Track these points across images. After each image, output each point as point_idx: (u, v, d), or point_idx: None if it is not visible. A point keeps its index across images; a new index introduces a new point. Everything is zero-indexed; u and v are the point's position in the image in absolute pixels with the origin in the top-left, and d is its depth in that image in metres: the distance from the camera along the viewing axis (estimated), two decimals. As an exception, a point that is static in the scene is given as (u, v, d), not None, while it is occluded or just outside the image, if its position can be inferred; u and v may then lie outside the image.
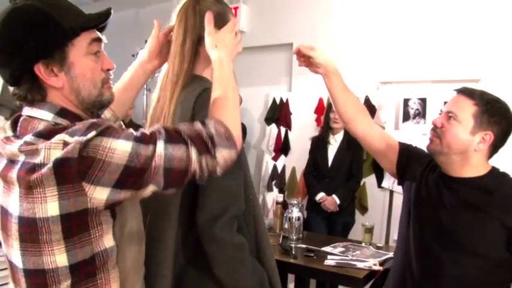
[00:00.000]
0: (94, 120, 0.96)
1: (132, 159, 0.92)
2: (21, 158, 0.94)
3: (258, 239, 1.39)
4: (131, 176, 0.94)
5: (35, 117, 1.00)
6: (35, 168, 0.91)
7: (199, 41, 1.36)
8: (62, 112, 1.01)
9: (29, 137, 0.95)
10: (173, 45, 1.36)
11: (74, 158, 0.89)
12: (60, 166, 0.89)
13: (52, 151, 0.91)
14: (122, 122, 1.42)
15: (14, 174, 0.94)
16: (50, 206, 0.92)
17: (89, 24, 1.04)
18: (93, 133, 0.91)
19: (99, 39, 1.07)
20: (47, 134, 0.94)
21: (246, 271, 1.28)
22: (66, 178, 0.90)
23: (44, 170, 0.90)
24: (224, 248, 1.25)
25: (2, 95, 3.57)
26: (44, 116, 1.00)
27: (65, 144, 0.90)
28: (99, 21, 1.06)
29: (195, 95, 1.31)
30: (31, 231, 0.94)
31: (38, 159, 0.91)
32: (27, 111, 1.03)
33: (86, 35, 1.03)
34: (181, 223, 1.30)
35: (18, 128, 1.02)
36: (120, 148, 0.92)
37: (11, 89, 1.03)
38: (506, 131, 1.59)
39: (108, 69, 1.10)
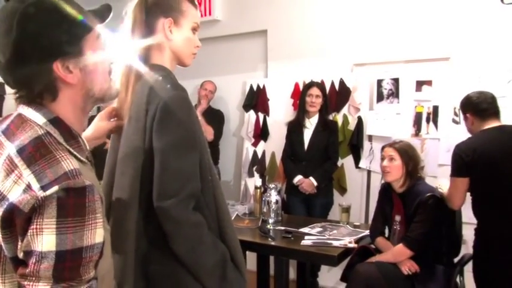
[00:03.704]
0: (71, 168, 0.91)
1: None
2: (1, 176, 0.93)
3: (219, 219, 1.44)
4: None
5: (28, 119, 0.98)
6: (2, 197, 0.90)
7: (149, 32, 1.43)
8: (54, 121, 0.98)
9: (13, 150, 0.93)
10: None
11: (23, 212, 0.87)
12: (9, 212, 0.88)
13: (15, 187, 0.89)
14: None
15: None
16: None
17: (100, 18, 1.04)
18: (54, 188, 0.87)
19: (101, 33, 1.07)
20: (26, 157, 0.91)
21: (204, 248, 1.34)
22: (11, 223, 0.89)
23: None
24: (180, 226, 1.31)
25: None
26: (37, 119, 0.97)
27: (28, 187, 0.88)
28: (107, 15, 1.06)
29: (150, 83, 1.37)
30: None
31: (4, 188, 0.90)
32: (22, 109, 1.00)
33: (94, 29, 1.03)
34: (142, 204, 1.35)
35: (9, 122, 1.00)
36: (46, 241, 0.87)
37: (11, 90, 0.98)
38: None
39: (111, 63, 1.11)
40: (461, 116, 2.90)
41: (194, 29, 1.52)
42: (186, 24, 1.49)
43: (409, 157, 2.65)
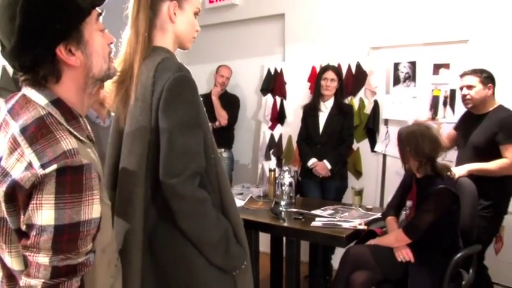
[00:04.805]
0: (70, 147, 0.97)
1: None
2: (5, 153, 0.99)
3: (221, 196, 1.50)
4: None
5: (31, 99, 1.03)
6: (5, 174, 0.97)
7: (153, 14, 1.47)
8: (56, 102, 1.03)
9: (17, 129, 0.99)
10: (129, 20, 1.47)
11: (24, 188, 0.93)
12: (12, 188, 0.94)
13: (18, 164, 0.96)
14: None
15: None
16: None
17: (98, 1, 1.07)
18: (53, 167, 0.93)
19: (100, 14, 1.10)
20: (28, 136, 0.97)
21: (209, 224, 1.40)
22: (14, 198, 0.95)
23: (3, 184, 0.95)
24: (186, 202, 1.37)
25: (2, 78, 3.71)
26: (39, 100, 1.02)
27: (29, 165, 0.94)
28: None
29: (155, 64, 1.42)
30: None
31: (8, 165, 0.97)
32: (26, 89, 1.05)
33: (93, 12, 1.06)
34: (150, 182, 1.42)
35: (14, 102, 1.06)
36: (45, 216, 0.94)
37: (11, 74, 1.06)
38: (491, 78, 3.00)
39: (111, 43, 1.14)
40: (474, 80, 3.01)
41: (196, 14, 1.57)
42: (189, 9, 1.54)
43: (407, 142, 2.60)
